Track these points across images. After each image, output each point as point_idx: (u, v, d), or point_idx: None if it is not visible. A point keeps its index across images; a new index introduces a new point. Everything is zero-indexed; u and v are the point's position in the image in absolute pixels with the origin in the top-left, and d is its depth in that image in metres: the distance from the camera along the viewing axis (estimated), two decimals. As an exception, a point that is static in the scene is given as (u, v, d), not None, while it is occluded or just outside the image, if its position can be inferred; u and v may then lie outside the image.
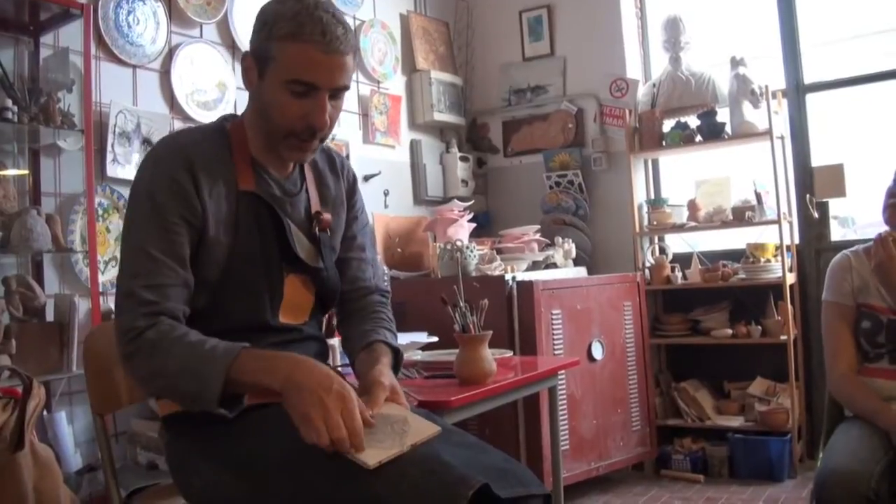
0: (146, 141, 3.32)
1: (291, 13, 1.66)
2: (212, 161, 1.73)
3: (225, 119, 1.87)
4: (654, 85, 4.76)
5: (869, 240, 2.53)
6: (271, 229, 1.78)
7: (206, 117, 3.55)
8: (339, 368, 1.98)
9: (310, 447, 1.50)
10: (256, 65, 1.73)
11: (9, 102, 2.71)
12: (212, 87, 3.67)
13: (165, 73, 3.50)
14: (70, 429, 2.88)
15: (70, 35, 3.01)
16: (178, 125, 3.47)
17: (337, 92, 1.73)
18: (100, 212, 3.16)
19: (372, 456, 1.46)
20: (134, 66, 3.38)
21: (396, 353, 1.91)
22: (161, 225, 1.64)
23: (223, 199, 1.72)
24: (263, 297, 1.78)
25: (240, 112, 1.91)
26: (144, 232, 1.65)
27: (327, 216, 1.91)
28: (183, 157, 1.68)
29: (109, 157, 3.21)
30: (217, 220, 1.70)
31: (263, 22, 1.71)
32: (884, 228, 2.47)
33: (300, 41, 1.65)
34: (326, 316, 2.10)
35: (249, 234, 1.75)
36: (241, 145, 1.80)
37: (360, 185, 4.16)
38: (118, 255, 3.22)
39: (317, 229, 1.88)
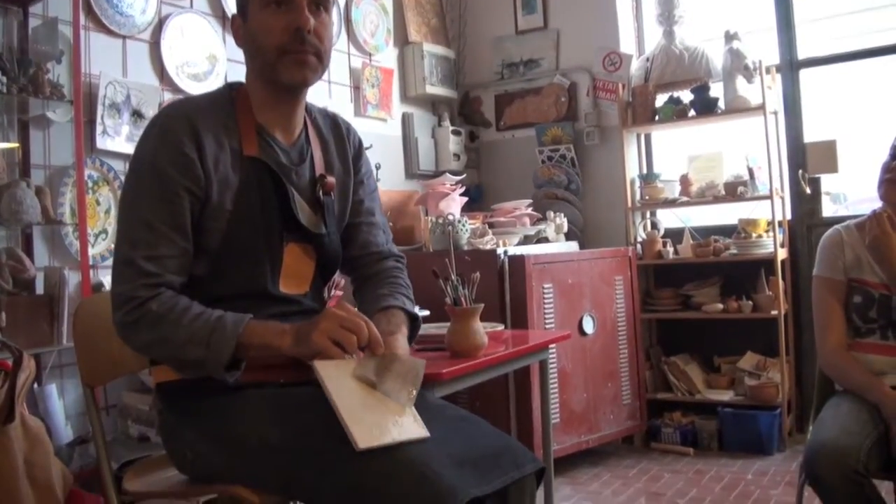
0: (136, 113, 3.29)
1: None
2: (217, 128, 1.73)
3: (230, 86, 1.87)
4: (647, 59, 4.74)
5: (861, 215, 2.54)
6: (274, 196, 1.78)
7: (197, 89, 3.52)
8: None
9: (302, 431, 1.54)
10: (240, 15, 1.80)
11: (-3, 73, 2.69)
12: (202, 58, 3.64)
13: (155, 44, 3.47)
14: (61, 402, 2.87)
15: (59, 5, 2.97)
16: (169, 97, 3.45)
17: (317, 2, 1.75)
18: (90, 184, 3.13)
19: (363, 438, 1.47)
20: (124, 37, 3.34)
21: (414, 319, 1.92)
22: (164, 196, 1.65)
23: (228, 167, 1.73)
24: (264, 265, 1.77)
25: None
26: (147, 202, 1.66)
27: (331, 179, 1.90)
28: (189, 127, 1.69)
29: (99, 128, 3.18)
30: (222, 186, 1.71)
31: None
32: (878, 205, 2.46)
33: None
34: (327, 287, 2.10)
35: (252, 200, 1.74)
36: (245, 111, 1.80)
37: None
38: (109, 228, 3.21)
39: (321, 193, 1.87)
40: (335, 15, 4.34)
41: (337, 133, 2.02)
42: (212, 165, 1.69)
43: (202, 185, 1.68)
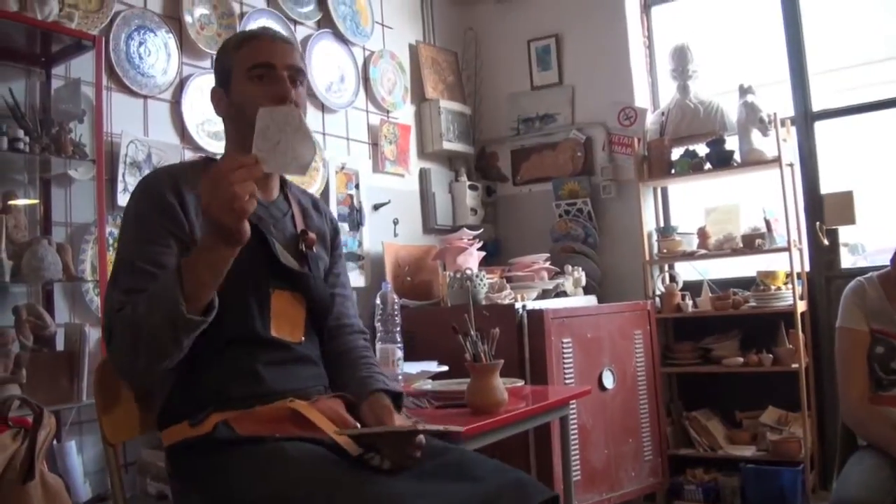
0: (157, 171, 3.33)
1: (238, 33, 2.02)
2: (197, 185, 1.79)
3: (208, 158, 2.06)
4: (662, 113, 4.77)
5: (882, 266, 2.53)
6: (257, 247, 1.83)
7: (217, 147, 3.56)
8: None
9: (304, 489, 1.54)
10: (222, 87, 1.95)
11: (20, 133, 2.72)
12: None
13: (176, 104, 3.52)
14: (80, 459, 2.86)
15: (81, 66, 3.02)
16: (189, 155, 3.48)
17: (294, 75, 1.92)
18: (110, 241, 3.15)
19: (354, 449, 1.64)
20: (145, 97, 3.40)
21: (399, 396, 2.00)
22: (146, 238, 1.74)
23: None
24: (251, 311, 1.82)
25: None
26: (130, 247, 1.75)
27: (313, 235, 2.01)
28: (170, 181, 1.81)
29: (120, 186, 3.22)
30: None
31: (220, 54, 2.00)
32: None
33: (250, 40, 1.93)
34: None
35: None
36: None
37: (370, 214, 4.19)
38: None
39: (303, 247, 1.98)
40: (353, 75, 4.41)
41: (315, 206, 2.17)
42: (194, 215, 1.79)
43: (185, 228, 1.77)
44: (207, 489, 1.70)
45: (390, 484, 1.56)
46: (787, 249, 4.16)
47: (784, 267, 4.24)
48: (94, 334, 2.94)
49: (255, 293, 1.79)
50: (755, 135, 4.29)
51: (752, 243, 4.29)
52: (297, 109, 1.65)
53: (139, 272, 1.70)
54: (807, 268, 4.40)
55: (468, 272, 3.95)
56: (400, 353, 2.92)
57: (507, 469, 1.75)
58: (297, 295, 1.93)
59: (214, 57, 2.02)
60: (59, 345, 2.87)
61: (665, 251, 4.62)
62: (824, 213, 4.34)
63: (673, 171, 4.58)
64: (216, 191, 1.48)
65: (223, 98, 1.96)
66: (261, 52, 1.89)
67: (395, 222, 4.62)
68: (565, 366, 3.82)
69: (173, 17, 3.55)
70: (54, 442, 2.70)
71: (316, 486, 1.54)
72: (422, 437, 1.73)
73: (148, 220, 1.75)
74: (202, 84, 3.61)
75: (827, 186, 4.42)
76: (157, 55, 3.44)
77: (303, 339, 1.94)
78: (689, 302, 4.53)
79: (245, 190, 1.48)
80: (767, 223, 4.27)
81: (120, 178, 3.22)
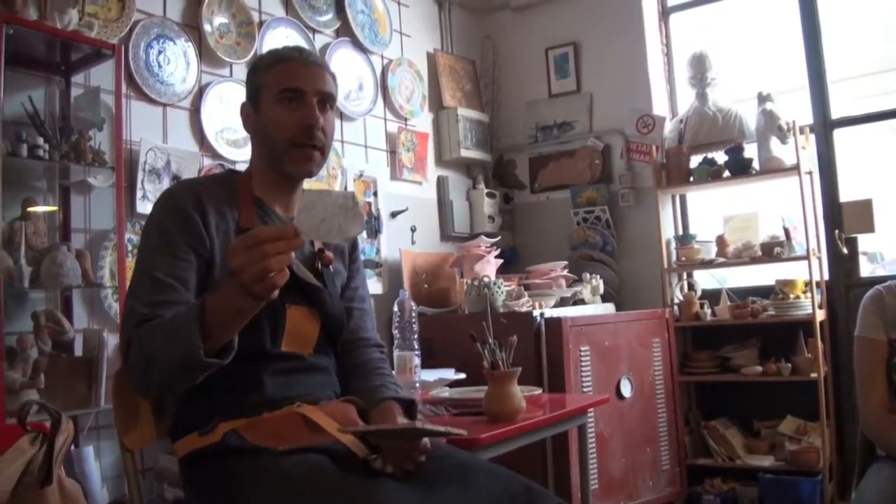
0: (175, 178, 3.34)
1: (272, 52, 2.00)
2: (220, 201, 1.86)
3: (231, 171, 2.08)
4: (680, 121, 4.75)
5: (902, 275, 2.51)
6: None
7: (236, 155, 3.58)
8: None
9: (304, 497, 1.53)
10: (251, 104, 1.97)
11: (40, 140, 2.74)
12: (241, 125, 3.68)
13: (195, 112, 3.53)
14: (97, 464, 2.87)
15: (101, 74, 3.04)
16: (208, 163, 3.50)
17: (323, 100, 1.93)
18: (129, 248, 3.17)
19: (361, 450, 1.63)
20: (164, 105, 3.41)
21: (411, 404, 1.98)
22: (167, 251, 1.74)
23: (231, 235, 1.83)
24: (262, 328, 1.81)
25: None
26: (151, 258, 1.75)
27: (329, 254, 2.02)
28: (192, 195, 1.82)
29: (139, 193, 3.23)
30: (224, 252, 1.79)
31: (251, 71, 2.00)
32: None
33: (282, 61, 1.93)
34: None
35: None
36: (246, 190, 1.94)
37: (388, 222, 4.19)
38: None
39: (319, 265, 1.99)
40: (371, 83, 4.42)
41: None
42: (214, 231, 1.80)
43: (206, 244, 1.78)
44: (215, 499, 1.70)
45: (394, 498, 1.53)
46: (806, 258, 4.14)
47: (803, 275, 4.22)
48: (112, 340, 2.95)
49: (269, 310, 1.76)
50: (774, 142, 4.27)
51: (770, 251, 4.27)
52: (350, 193, 1.56)
53: (160, 284, 1.70)
54: (826, 276, 4.37)
55: (486, 280, 3.94)
56: (417, 361, 2.91)
57: (512, 475, 1.74)
58: (312, 310, 1.93)
59: (247, 70, 2.04)
60: (78, 350, 2.88)
61: (683, 259, 4.60)
62: (843, 221, 4.32)
63: (691, 178, 4.56)
64: (250, 258, 1.42)
65: (251, 115, 1.97)
66: (292, 76, 1.90)
67: (413, 230, 4.62)
68: (583, 374, 3.81)
69: (192, 26, 3.57)
70: (72, 447, 2.71)
71: (325, 496, 1.53)
72: (426, 441, 1.72)
73: (170, 233, 1.76)
74: (221, 92, 3.63)
75: (846, 194, 4.40)
76: (177, 63, 3.46)
77: (311, 351, 1.93)
78: (708, 310, 4.51)
79: (281, 264, 1.44)
80: (786, 231, 4.25)
81: (139, 185, 3.23)
